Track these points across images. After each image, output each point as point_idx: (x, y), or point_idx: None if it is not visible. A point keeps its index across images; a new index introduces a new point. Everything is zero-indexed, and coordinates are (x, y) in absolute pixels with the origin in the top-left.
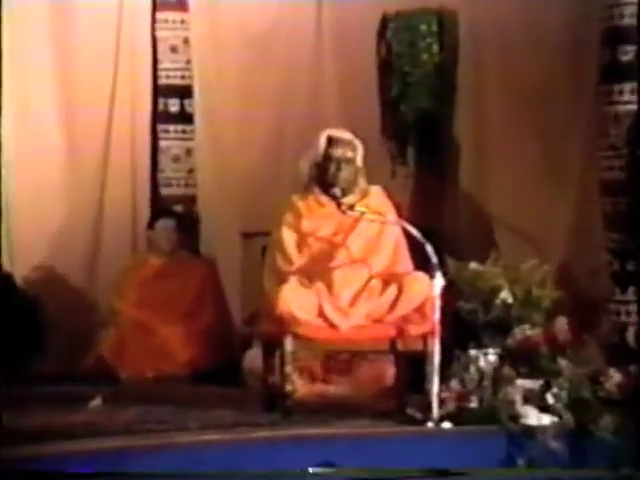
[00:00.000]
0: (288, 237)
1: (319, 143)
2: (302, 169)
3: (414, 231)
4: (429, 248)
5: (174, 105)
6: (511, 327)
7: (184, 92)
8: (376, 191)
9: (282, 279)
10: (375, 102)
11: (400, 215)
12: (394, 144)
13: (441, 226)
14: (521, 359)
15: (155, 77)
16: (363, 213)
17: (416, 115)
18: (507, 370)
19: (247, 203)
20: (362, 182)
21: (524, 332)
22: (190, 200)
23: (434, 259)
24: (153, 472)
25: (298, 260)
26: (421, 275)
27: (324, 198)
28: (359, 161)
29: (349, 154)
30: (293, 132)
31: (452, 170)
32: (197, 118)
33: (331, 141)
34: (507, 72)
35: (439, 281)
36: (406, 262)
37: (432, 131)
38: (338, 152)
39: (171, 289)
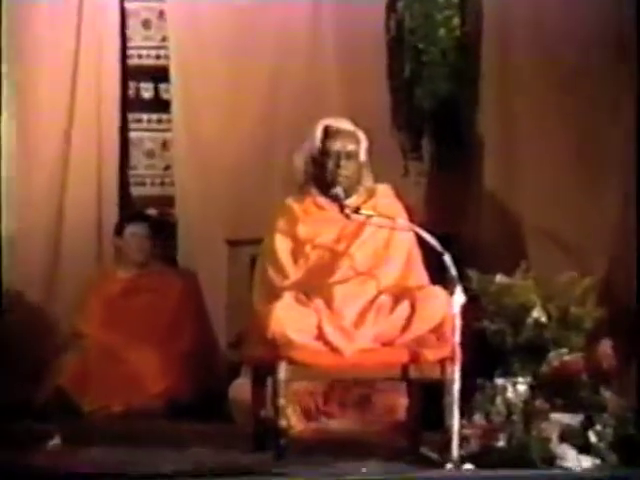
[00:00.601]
0: (282, 246)
1: (315, 135)
2: (297, 166)
3: (430, 238)
4: (447, 258)
5: (147, 90)
6: (545, 351)
7: (159, 75)
8: (384, 191)
9: (275, 295)
10: (384, 86)
11: (413, 219)
12: (406, 136)
13: (461, 232)
14: (557, 389)
15: (124, 57)
16: (370, 217)
17: (432, 101)
18: (541, 403)
19: (233, 206)
20: (367, 180)
21: (561, 357)
22: (166, 202)
23: (453, 271)
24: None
25: (293, 273)
26: (438, 290)
27: (323, 200)
28: (363, 155)
29: (350, 147)
30: (287, 123)
31: (474, 166)
32: (174, 105)
33: (329, 132)
34: (540, 53)
35: (459, 297)
36: (420, 274)
37: (451, 120)
38: (337, 145)
39: (143, 307)
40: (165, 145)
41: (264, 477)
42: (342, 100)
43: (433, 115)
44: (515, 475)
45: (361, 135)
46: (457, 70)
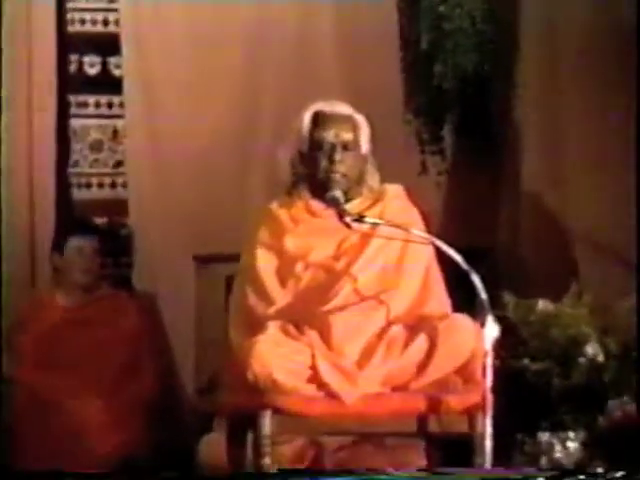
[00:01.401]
0: (265, 263)
1: (302, 123)
2: (282, 163)
3: (453, 253)
4: (476, 278)
5: (93, 65)
6: (603, 399)
7: (108, 46)
8: (395, 193)
9: (257, 326)
10: (395, 61)
11: (431, 229)
12: (423, 124)
13: (494, 245)
14: (618, 448)
15: (61, 22)
16: (376, 226)
17: (457, 80)
18: (598, 465)
19: (203, 213)
20: (373, 179)
21: (623, 406)
22: (118, 208)
23: (484, 295)
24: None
25: (280, 297)
26: (464, 319)
27: (317, 204)
28: (365, 146)
29: (346, 136)
30: (271, 111)
31: (510, 163)
32: (128, 85)
33: (319, 119)
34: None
35: (492, 329)
36: (441, 300)
37: (481, 105)
38: (330, 134)
39: (90, 343)
40: (116, 136)
41: None
42: (341, 81)
43: (457, 98)
44: None
45: (360, 120)
46: (488, 41)
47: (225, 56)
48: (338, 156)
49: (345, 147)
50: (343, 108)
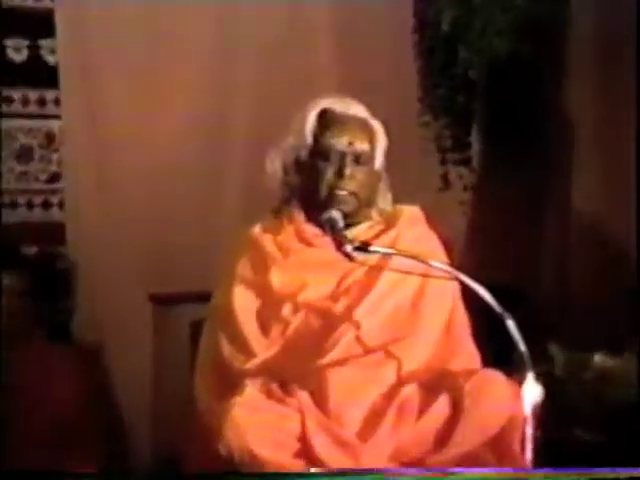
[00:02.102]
0: (244, 305)
1: (305, 124)
2: (272, 174)
3: (483, 291)
4: (512, 325)
5: (19, 51)
6: None
7: (39, 25)
8: (411, 216)
9: (232, 384)
10: (406, 47)
11: (455, 260)
12: (445, 125)
13: (535, 283)
14: None
15: None
16: (386, 257)
17: (488, 68)
18: None
19: (162, 240)
20: (384, 200)
21: None
22: (53, 234)
23: (522, 346)
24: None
25: (263, 348)
26: (497, 377)
27: (313, 230)
28: (379, 160)
29: (361, 146)
30: (247, 108)
31: (557, 177)
32: (65, 76)
33: (328, 120)
34: None
35: (533, 389)
36: (468, 351)
37: (518, 100)
38: (341, 141)
39: (17, 412)
40: (50, 141)
41: None
42: (337, 73)
43: (488, 92)
44: None
45: (377, 127)
46: (529, 17)
47: (191, 41)
48: (348, 170)
49: (357, 160)
50: (358, 109)
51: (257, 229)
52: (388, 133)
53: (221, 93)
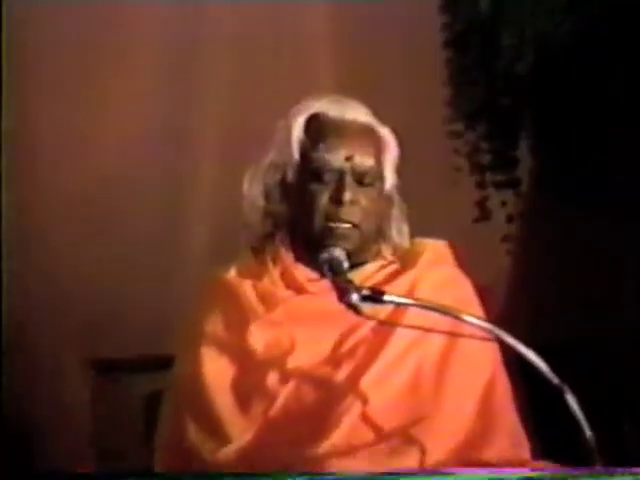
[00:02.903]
0: (216, 373)
1: (290, 133)
2: (250, 201)
3: (534, 356)
4: (572, 400)
5: None
6: None
7: None
8: (436, 254)
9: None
10: (431, 33)
11: (495, 314)
12: (483, 136)
13: (603, 345)
14: None
15: None
16: (403, 309)
17: (539, 60)
18: None
19: (107, 291)
20: (400, 232)
21: None
22: None
23: (587, 430)
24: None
25: (240, 431)
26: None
27: (305, 272)
28: (390, 180)
29: (364, 162)
30: (218, 111)
31: (636, 205)
32: None
33: (320, 127)
34: None
35: None
36: (512, 435)
37: (581, 102)
38: (337, 156)
39: None
40: None
41: None
42: (336, 69)
43: (540, 91)
44: None
45: (386, 135)
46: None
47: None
48: (348, 194)
49: (360, 179)
50: (359, 112)
51: (232, 273)
52: (401, 144)
53: (182, 100)
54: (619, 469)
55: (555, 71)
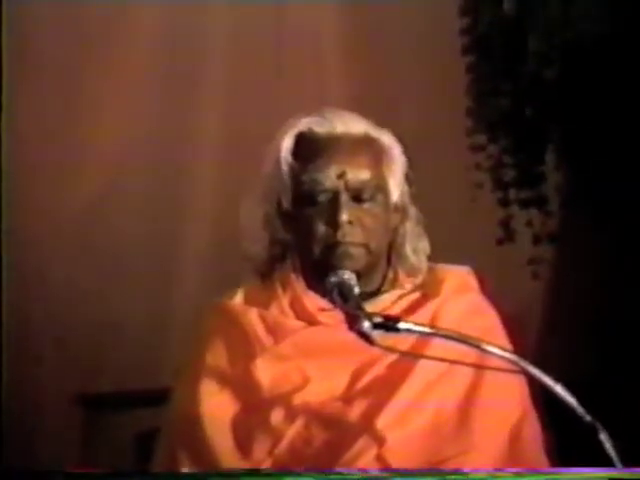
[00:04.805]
0: (215, 409)
1: (278, 154)
2: (250, 233)
3: (563, 392)
4: (606, 439)
5: None
6: None
7: None
8: (459, 280)
9: None
10: (449, 37)
11: (523, 346)
12: (507, 149)
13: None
14: None
15: None
16: (423, 338)
17: (570, 64)
18: None
19: (98, 321)
20: (416, 253)
21: None
22: None
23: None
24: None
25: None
26: None
27: (315, 300)
28: (396, 192)
29: (358, 175)
30: (215, 133)
31: None
32: None
33: (307, 146)
34: None
35: None
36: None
37: (616, 112)
38: (329, 175)
39: None
40: None
41: None
42: (348, 79)
43: (570, 100)
44: None
45: (387, 142)
46: None
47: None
48: (345, 215)
49: (358, 196)
50: (352, 124)
51: (237, 299)
52: (410, 150)
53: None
54: None
55: (586, 79)
